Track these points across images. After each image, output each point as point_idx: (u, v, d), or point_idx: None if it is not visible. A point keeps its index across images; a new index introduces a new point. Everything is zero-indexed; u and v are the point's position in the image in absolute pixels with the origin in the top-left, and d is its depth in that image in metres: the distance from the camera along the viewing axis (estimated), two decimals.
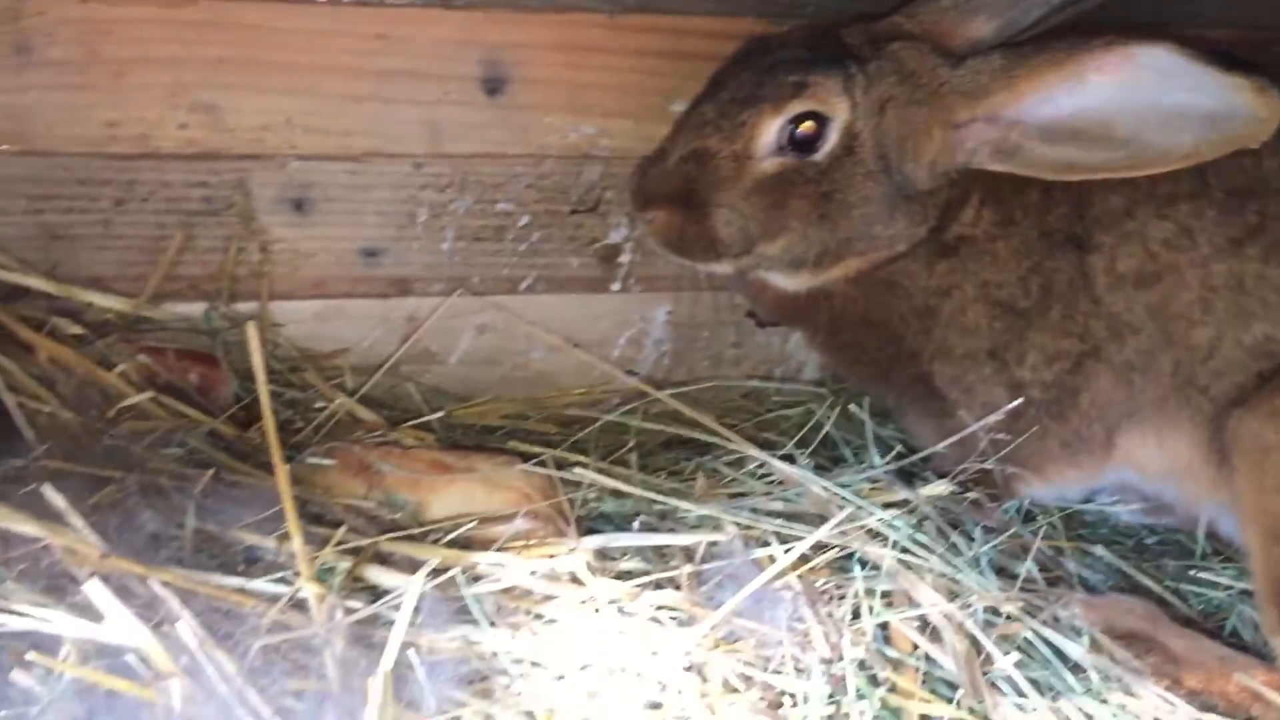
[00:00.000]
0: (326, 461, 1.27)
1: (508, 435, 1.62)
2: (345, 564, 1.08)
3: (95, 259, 1.52)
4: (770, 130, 1.28)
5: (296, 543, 1.03)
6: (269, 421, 1.07)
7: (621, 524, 1.32)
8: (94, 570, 0.94)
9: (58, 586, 0.97)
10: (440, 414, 1.47)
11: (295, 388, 1.51)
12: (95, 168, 1.49)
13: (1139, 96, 1.20)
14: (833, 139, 1.29)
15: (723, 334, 1.83)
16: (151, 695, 0.90)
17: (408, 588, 1.02)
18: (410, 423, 1.46)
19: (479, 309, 1.69)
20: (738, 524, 1.24)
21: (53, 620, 0.93)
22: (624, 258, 1.74)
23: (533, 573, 1.12)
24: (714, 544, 1.22)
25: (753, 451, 1.37)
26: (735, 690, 1.05)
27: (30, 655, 0.90)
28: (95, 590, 0.89)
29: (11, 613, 0.94)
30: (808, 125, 1.28)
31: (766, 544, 1.21)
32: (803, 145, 1.29)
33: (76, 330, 1.42)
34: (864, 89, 1.28)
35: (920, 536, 1.23)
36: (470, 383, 1.72)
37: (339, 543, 1.09)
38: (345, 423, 1.46)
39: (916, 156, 1.29)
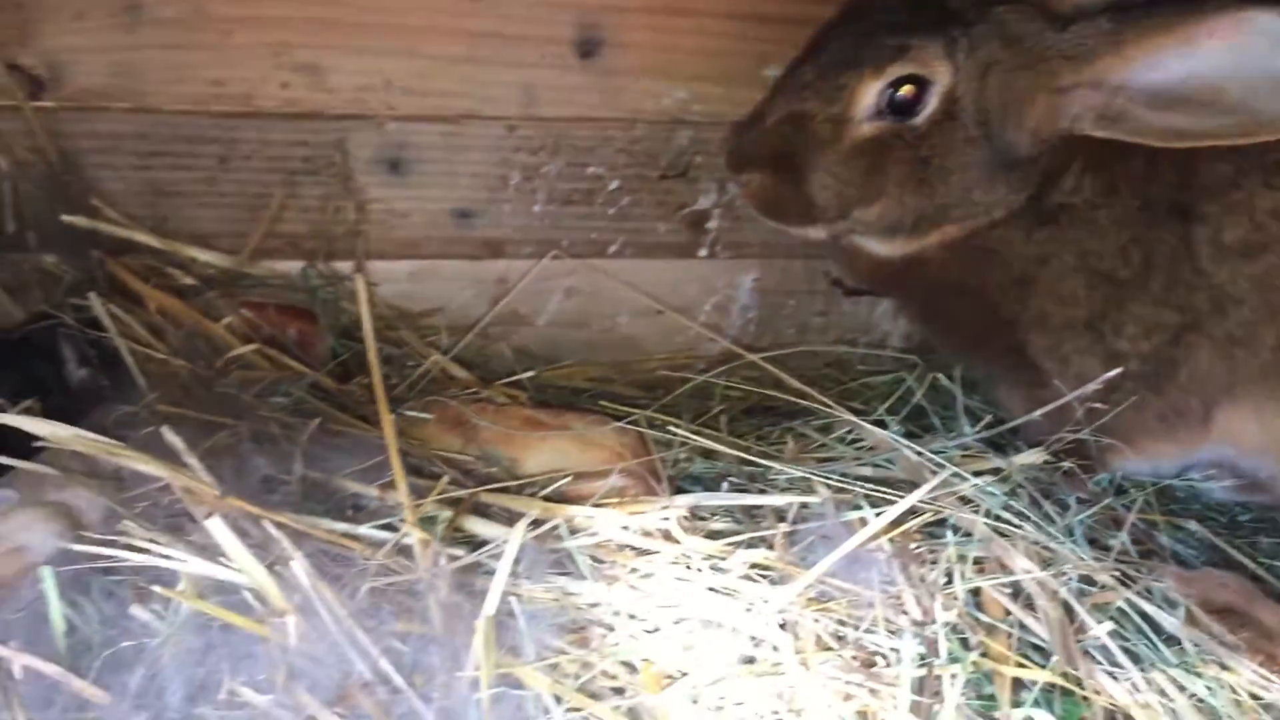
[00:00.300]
0: (425, 415, 1.30)
1: (595, 398, 1.64)
2: (446, 514, 1.11)
3: (199, 215, 1.56)
4: (870, 93, 1.27)
5: (402, 491, 1.06)
6: (376, 373, 1.09)
7: (711, 485, 1.33)
8: (211, 510, 0.97)
9: (176, 525, 1.01)
10: (531, 374, 1.49)
11: (391, 344, 1.54)
12: (201, 126, 1.53)
13: (1250, 63, 1.17)
14: (933, 103, 1.28)
15: (809, 302, 1.83)
16: (265, 631, 0.93)
17: (509, 538, 1.04)
18: (502, 381, 1.48)
19: (568, 272, 1.71)
20: (829, 486, 1.24)
21: (174, 557, 0.97)
22: (712, 223, 1.75)
23: (625, 527, 1.13)
24: (805, 506, 1.23)
25: (845, 415, 1.37)
26: (828, 648, 1.06)
27: (156, 589, 0.94)
28: (216, 528, 0.92)
29: (133, 549, 0.97)
30: (908, 89, 1.27)
31: (858, 507, 1.21)
32: (902, 109, 1.28)
33: (187, 282, 1.46)
34: (966, 53, 1.26)
35: (1013, 504, 1.23)
36: (557, 345, 1.74)
37: (441, 492, 1.11)
38: (439, 380, 1.49)
39: (1018, 122, 1.28)
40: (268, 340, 1.44)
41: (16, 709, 0.90)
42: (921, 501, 1.19)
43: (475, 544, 1.12)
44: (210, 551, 0.99)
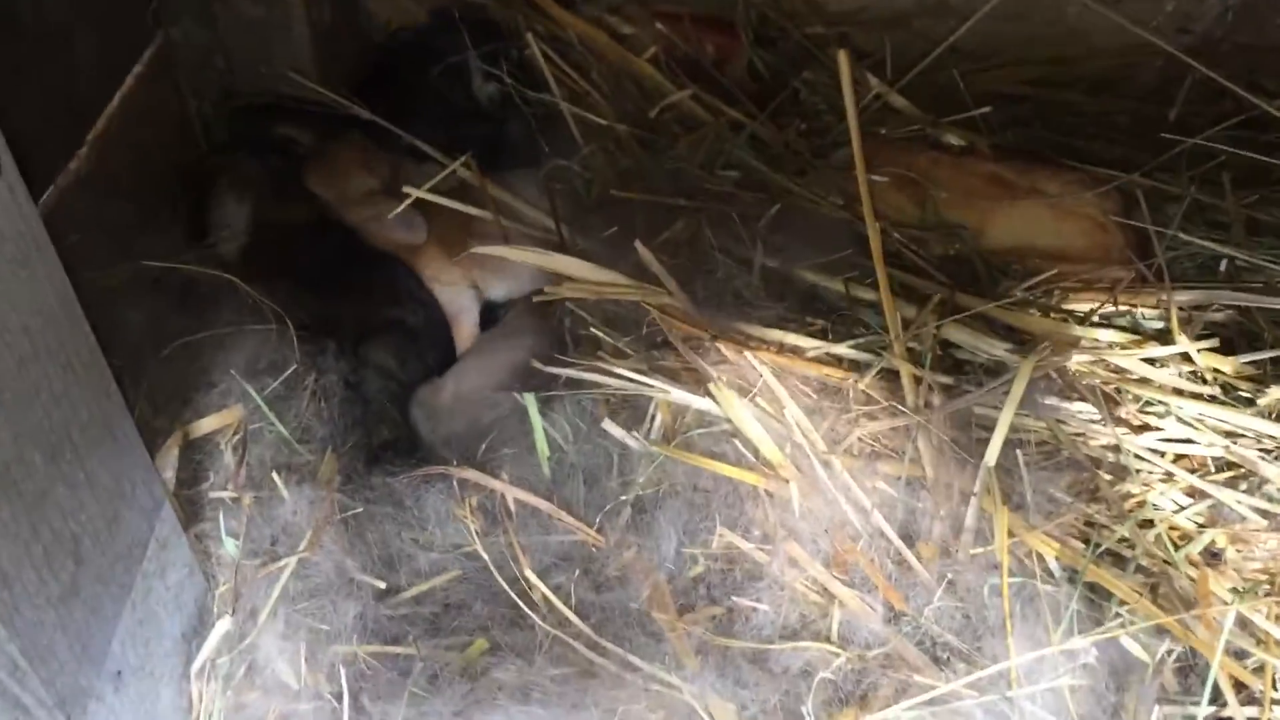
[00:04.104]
0: (877, 178, 1.13)
1: (1032, 107, 1.41)
2: (929, 328, 0.97)
3: None
4: None
5: (890, 319, 0.92)
6: (860, 169, 0.93)
7: (1206, 263, 1.13)
8: (687, 337, 0.89)
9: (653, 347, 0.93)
10: (987, 109, 1.26)
11: (816, 62, 1.35)
12: None
13: None
14: None
15: None
16: (762, 482, 0.86)
17: (1013, 374, 0.91)
18: (952, 119, 1.26)
19: None
20: None
21: (655, 386, 0.90)
22: None
23: (1147, 360, 0.96)
24: None
25: None
26: None
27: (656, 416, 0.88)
28: (721, 393, 0.84)
29: (609, 373, 0.91)
30: None
31: None
32: None
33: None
34: None
35: None
36: (989, 40, 1.48)
37: (932, 310, 0.96)
38: (874, 109, 1.29)
39: None
40: (684, 60, 1.28)
41: (512, 534, 0.89)
42: None
43: (949, 346, 0.99)
44: (678, 375, 0.92)
